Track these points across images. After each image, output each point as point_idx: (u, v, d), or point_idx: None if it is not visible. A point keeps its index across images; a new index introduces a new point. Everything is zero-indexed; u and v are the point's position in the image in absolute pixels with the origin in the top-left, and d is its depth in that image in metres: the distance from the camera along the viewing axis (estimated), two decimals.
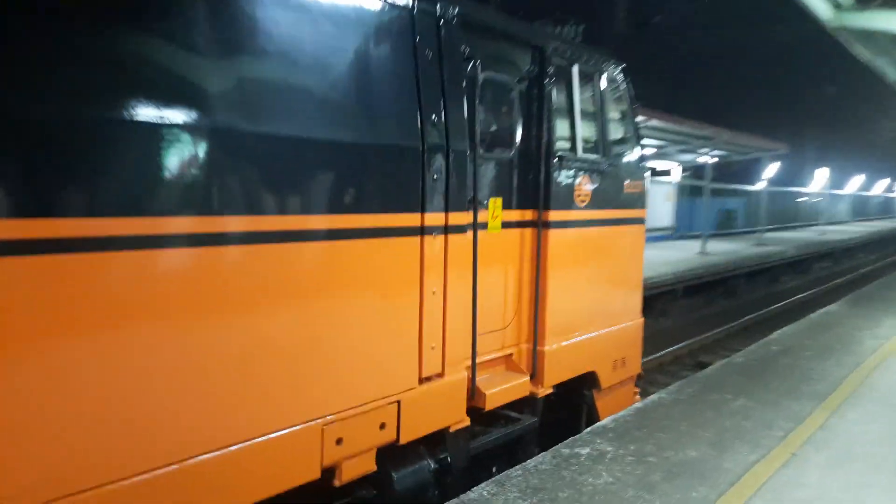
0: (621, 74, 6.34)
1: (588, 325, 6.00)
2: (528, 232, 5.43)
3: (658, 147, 21.57)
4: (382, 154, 4.00)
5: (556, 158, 5.45)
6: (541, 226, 5.39)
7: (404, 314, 4.20)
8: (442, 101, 4.40)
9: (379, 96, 4.02)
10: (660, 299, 16.63)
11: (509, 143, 5.24)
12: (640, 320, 6.83)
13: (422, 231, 4.27)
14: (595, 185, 5.92)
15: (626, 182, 6.36)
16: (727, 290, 19.59)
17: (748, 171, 33.12)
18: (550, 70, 5.44)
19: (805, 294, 20.23)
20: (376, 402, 4.02)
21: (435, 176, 4.33)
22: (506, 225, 5.23)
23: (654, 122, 16.68)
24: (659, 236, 27.71)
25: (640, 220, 6.65)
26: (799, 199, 38.13)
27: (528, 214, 5.41)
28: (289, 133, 3.50)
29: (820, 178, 34.82)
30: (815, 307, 15.18)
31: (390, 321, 4.10)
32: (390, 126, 4.07)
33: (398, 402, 4.16)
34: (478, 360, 5.03)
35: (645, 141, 19.26)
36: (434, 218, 4.35)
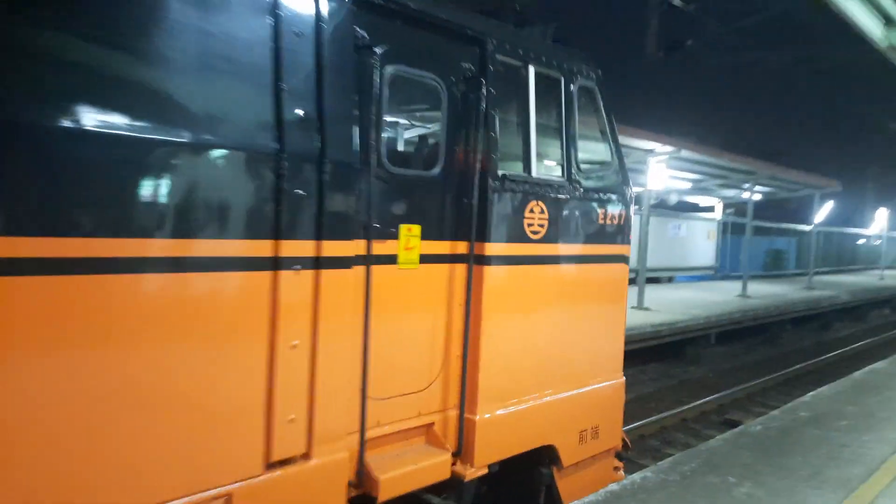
0: (597, 82, 5.23)
1: (543, 387, 4.82)
2: (461, 269, 4.34)
3: (695, 181, 20.08)
4: (204, 157, 3.00)
5: (498, 179, 4.36)
6: (472, 261, 4.30)
7: (239, 375, 3.14)
8: (316, 98, 3.40)
9: (202, 80, 3.03)
10: (690, 345, 15.15)
11: (433, 157, 4.20)
12: (621, 380, 5.58)
13: (275, 264, 3.24)
14: (555, 214, 4.80)
15: (602, 212, 5.21)
16: (769, 337, 17.87)
17: (804, 210, 31.06)
18: (493, 70, 4.39)
19: (859, 345, 18.26)
20: (188, 499, 2.95)
21: (299, 192, 3.31)
22: (427, 259, 4.16)
23: (686, 154, 15.31)
24: (698, 276, 25.97)
25: (621, 258, 5.46)
26: (858, 241, 35.66)
27: (461, 247, 4.33)
28: (53, 122, 2.55)
29: (880, 218, 32.40)
30: (870, 360, 13.42)
31: (213, 386, 3.05)
32: (219, 120, 3.07)
33: (228, 497, 3.08)
34: (382, 432, 3.94)
35: (678, 174, 17.91)
36: (297, 247, 3.32)
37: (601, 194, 5.20)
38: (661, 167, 15.51)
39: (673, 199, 22.45)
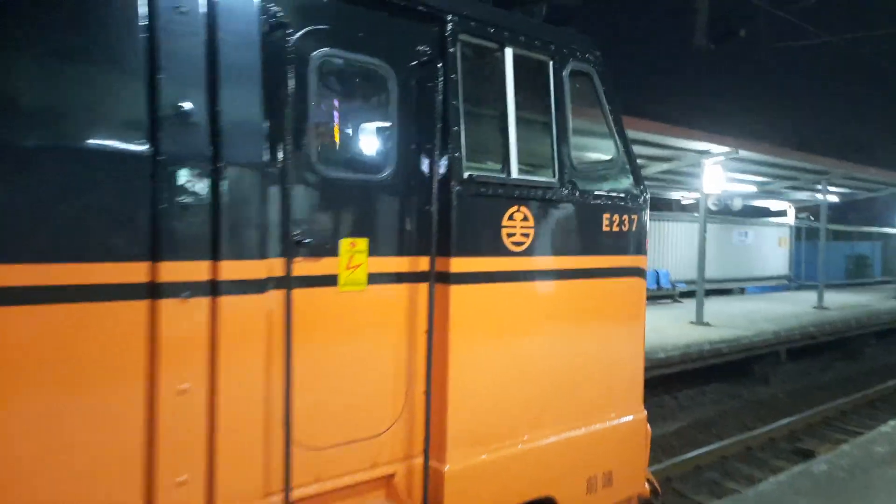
0: (595, 65, 4.46)
1: (536, 427, 4.05)
2: (423, 289, 3.66)
3: (759, 184, 18.62)
4: (48, 164, 2.45)
5: (462, 182, 3.66)
6: (433, 279, 3.60)
7: (105, 430, 2.56)
8: (208, 88, 2.82)
9: (49, 69, 2.50)
10: (757, 363, 13.78)
11: (383, 158, 3.55)
12: (641, 415, 4.71)
13: (153, 291, 2.65)
14: (543, 222, 4.05)
15: (606, 217, 4.41)
16: (849, 352, 16.20)
17: (890, 210, 28.60)
18: (457, 52, 3.72)
19: None
20: None
21: (183, 201, 2.72)
22: (378, 279, 3.50)
23: (745, 154, 14.07)
24: (772, 287, 24.20)
25: (635, 271, 4.62)
26: None
27: (423, 263, 3.65)
28: None
29: None
30: None
31: (68, 444, 2.48)
32: (72, 119, 2.52)
33: None
34: (322, 489, 3.29)
35: (738, 176, 16.60)
36: (183, 270, 2.73)
37: (604, 197, 4.41)
38: (717, 169, 14.33)
39: (737, 203, 20.95)
